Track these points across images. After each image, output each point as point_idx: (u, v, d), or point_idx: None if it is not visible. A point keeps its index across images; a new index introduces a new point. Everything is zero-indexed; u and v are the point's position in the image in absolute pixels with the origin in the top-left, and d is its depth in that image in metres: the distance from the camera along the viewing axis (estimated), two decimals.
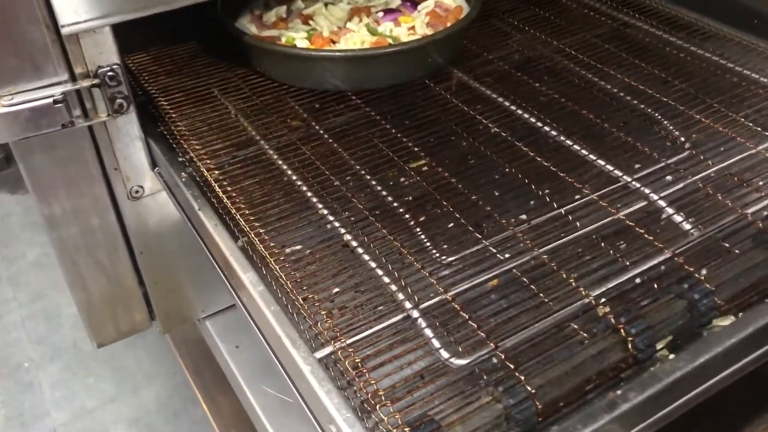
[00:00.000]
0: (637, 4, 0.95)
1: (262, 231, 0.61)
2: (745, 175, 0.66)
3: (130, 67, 0.85)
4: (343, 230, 0.62)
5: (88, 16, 0.63)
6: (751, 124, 0.73)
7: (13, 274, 1.61)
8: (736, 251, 0.58)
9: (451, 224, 0.64)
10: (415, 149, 0.73)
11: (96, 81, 0.66)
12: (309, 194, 0.66)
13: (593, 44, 0.88)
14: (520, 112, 0.75)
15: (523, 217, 0.63)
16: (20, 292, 1.58)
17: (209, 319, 0.88)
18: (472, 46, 0.87)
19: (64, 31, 0.62)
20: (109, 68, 0.66)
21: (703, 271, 0.56)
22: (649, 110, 0.76)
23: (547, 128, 0.73)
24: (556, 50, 0.87)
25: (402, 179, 0.70)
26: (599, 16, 0.94)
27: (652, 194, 0.63)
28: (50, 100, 0.64)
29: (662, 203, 0.62)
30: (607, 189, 0.65)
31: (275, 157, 0.71)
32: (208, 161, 0.71)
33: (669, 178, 0.66)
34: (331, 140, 0.75)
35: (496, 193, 0.67)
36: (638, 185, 0.64)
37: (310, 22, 0.84)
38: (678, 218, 0.61)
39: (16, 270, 1.62)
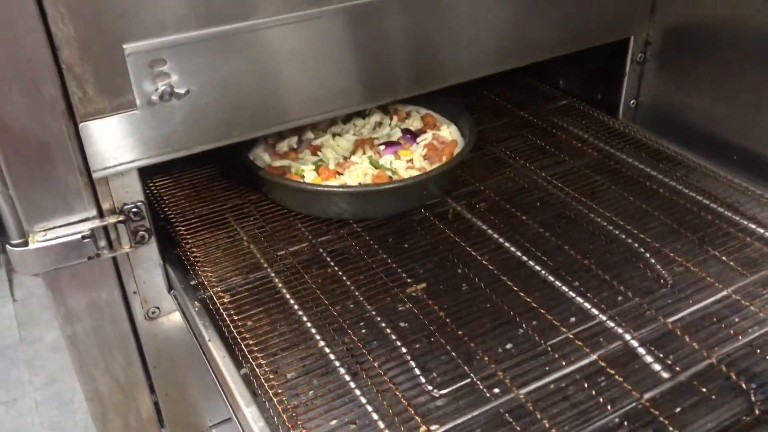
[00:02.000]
0: (624, 135, 1.02)
1: (263, 362, 0.66)
2: (715, 317, 0.71)
3: (152, 189, 0.93)
4: (338, 362, 0.67)
5: (117, 162, 0.71)
6: (725, 261, 0.78)
7: (30, 357, 1.67)
8: (706, 393, 0.63)
9: (443, 356, 0.69)
10: (411, 277, 0.78)
11: (121, 217, 0.73)
12: (309, 324, 0.72)
13: (581, 175, 0.95)
14: (508, 245, 0.81)
15: (512, 350, 0.69)
16: (36, 375, 1.63)
17: (216, 427, 0.92)
18: (467, 176, 0.94)
19: (95, 175, 0.70)
20: (133, 205, 0.74)
21: (674, 412, 0.60)
22: (630, 243, 0.82)
23: (532, 262, 0.79)
24: (546, 181, 0.94)
25: (398, 306, 0.76)
26: (587, 147, 1.01)
27: (626, 334, 0.68)
28: (79, 235, 0.71)
29: (635, 344, 0.67)
30: (584, 327, 0.70)
31: (281, 284, 0.77)
32: (219, 286, 0.77)
33: (644, 317, 0.71)
34: (333, 265, 0.81)
35: (487, 325, 0.72)
36: (613, 325, 0.69)
37: (319, 152, 0.92)
38: (650, 359, 0.66)
39: (34, 353, 1.68)
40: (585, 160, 0.98)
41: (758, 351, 0.66)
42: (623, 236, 0.83)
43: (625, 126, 1.04)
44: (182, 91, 0.70)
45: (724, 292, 0.73)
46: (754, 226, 0.82)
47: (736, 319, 0.70)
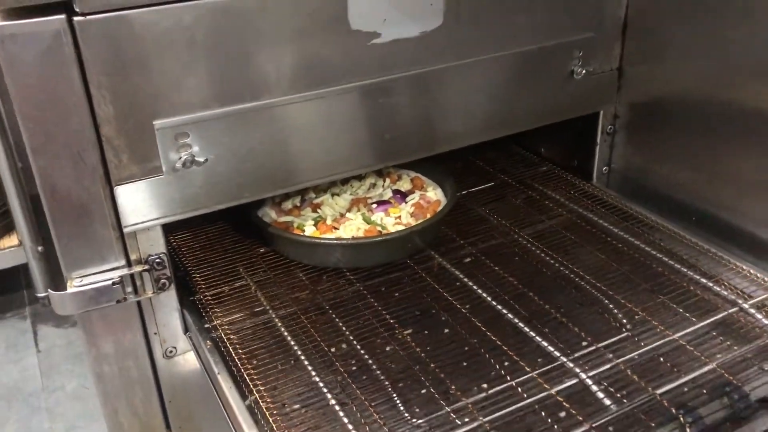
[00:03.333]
0: (596, 198, 1.13)
1: (265, 393, 0.77)
2: (663, 358, 0.81)
3: (173, 243, 1.05)
4: (330, 395, 0.77)
5: (145, 219, 0.83)
6: (678, 310, 0.88)
7: (51, 405, 1.76)
8: (645, 420, 0.72)
9: (423, 390, 0.79)
10: (399, 322, 0.89)
11: (146, 267, 0.85)
12: (306, 362, 0.82)
13: (555, 234, 1.06)
14: (485, 295, 0.92)
15: (484, 387, 0.79)
16: (57, 422, 1.72)
17: None
18: (453, 233, 1.05)
19: (126, 230, 0.82)
20: (156, 256, 0.85)
21: None
22: (595, 294, 0.92)
23: (506, 311, 0.89)
24: (523, 238, 1.05)
25: (386, 348, 0.86)
26: (562, 209, 1.12)
27: (582, 373, 0.78)
28: (110, 282, 0.82)
29: (589, 381, 0.77)
30: (548, 367, 0.79)
31: (282, 327, 0.88)
32: (228, 327, 0.88)
33: (601, 358, 0.80)
34: (330, 310, 0.92)
35: (464, 364, 0.83)
36: (572, 365, 0.79)
37: (318, 210, 1.04)
38: (601, 394, 0.75)
39: (55, 401, 1.77)
40: (560, 221, 1.09)
41: (694, 387, 0.75)
42: (589, 288, 0.94)
43: (597, 190, 1.15)
44: (202, 159, 0.83)
45: (673, 337, 0.83)
46: (705, 281, 0.92)
47: (681, 361, 0.80)
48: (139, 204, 0.82)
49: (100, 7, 0.72)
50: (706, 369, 0.78)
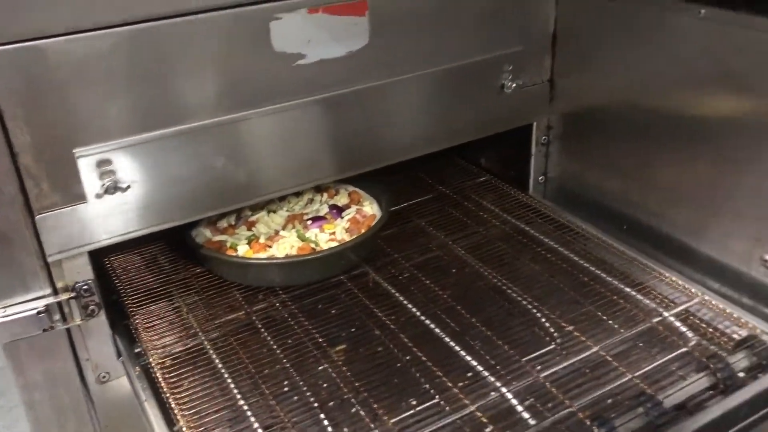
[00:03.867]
0: (532, 208, 1.15)
1: (191, 421, 0.77)
2: (587, 371, 0.82)
3: (107, 265, 1.04)
4: (254, 418, 0.78)
5: (69, 247, 0.82)
6: (608, 322, 0.90)
7: (9, 423, 1.74)
8: None
9: (353, 410, 0.80)
10: (333, 339, 0.90)
11: (73, 294, 0.84)
12: (233, 385, 0.82)
13: (491, 246, 1.07)
14: (417, 311, 0.93)
15: (412, 403, 0.80)
16: None
17: None
18: (389, 248, 1.06)
19: (50, 258, 0.82)
20: (84, 283, 0.85)
21: None
22: (527, 306, 0.94)
23: (438, 329, 0.90)
24: (460, 251, 1.06)
25: (319, 367, 0.86)
26: (498, 220, 1.13)
27: (503, 387, 0.79)
28: (35, 311, 0.82)
29: (510, 395, 0.78)
30: (474, 383, 0.81)
31: (213, 350, 0.88)
32: (159, 352, 0.88)
33: (525, 373, 0.81)
34: (263, 330, 0.92)
35: (395, 380, 0.83)
36: (493, 379, 0.80)
37: (253, 228, 1.04)
38: (520, 408, 0.77)
39: (13, 419, 1.75)
40: (495, 232, 1.11)
41: (613, 399, 0.77)
42: (520, 299, 0.95)
43: (533, 200, 1.17)
44: (125, 185, 0.83)
45: (596, 349, 0.85)
46: (629, 290, 0.95)
47: (603, 372, 0.82)
48: (63, 232, 0.81)
49: (11, 38, 0.72)
50: (625, 380, 0.80)
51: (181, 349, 0.88)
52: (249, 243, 1.00)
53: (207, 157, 0.88)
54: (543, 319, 0.92)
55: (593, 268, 1.00)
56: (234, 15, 0.83)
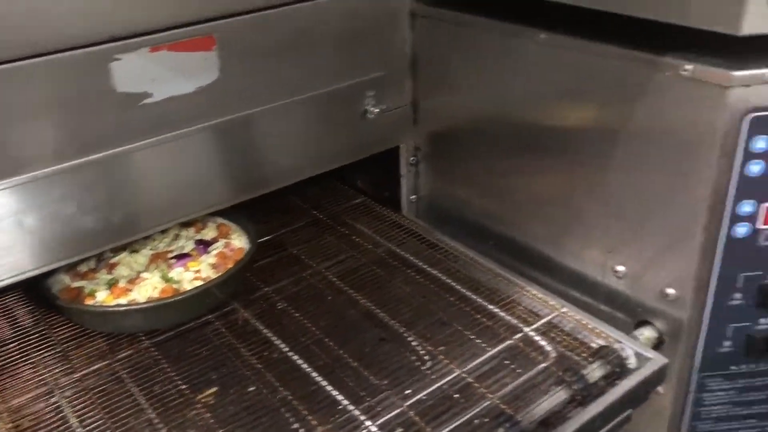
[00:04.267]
0: (405, 229, 1.16)
1: None
2: (455, 394, 0.84)
3: None
4: None
5: None
6: (467, 337, 0.92)
7: None
8: None
9: None
10: (203, 383, 0.87)
11: None
12: None
13: (366, 271, 1.07)
14: (283, 346, 0.92)
15: None
16: None
17: None
18: (261, 281, 1.05)
19: None
20: None
21: None
22: (397, 329, 0.94)
23: (301, 360, 0.89)
24: (334, 278, 1.05)
25: (187, 413, 0.84)
26: (372, 244, 1.14)
27: (367, 421, 0.79)
28: None
29: (374, 429, 0.79)
30: (341, 419, 0.80)
31: (69, 409, 0.83)
32: (10, 416, 0.82)
33: (391, 404, 0.82)
34: (127, 380, 0.88)
35: (266, 423, 0.82)
36: (358, 413, 0.80)
37: (114, 271, 1.00)
38: None
39: None
40: (369, 256, 1.11)
41: (474, 423, 0.79)
42: (392, 324, 0.95)
43: (406, 220, 1.18)
44: None
45: (460, 372, 0.86)
46: (492, 307, 0.97)
47: (467, 395, 0.83)
48: None
49: None
50: (487, 402, 0.82)
51: (34, 411, 0.83)
52: (110, 288, 0.96)
53: (55, 204, 0.84)
54: (415, 343, 0.93)
55: (460, 287, 1.01)
56: (70, 58, 0.79)
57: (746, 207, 0.80)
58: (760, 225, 0.81)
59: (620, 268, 0.93)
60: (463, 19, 1.00)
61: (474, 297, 0.99)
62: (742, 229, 0.82)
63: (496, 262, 1.06)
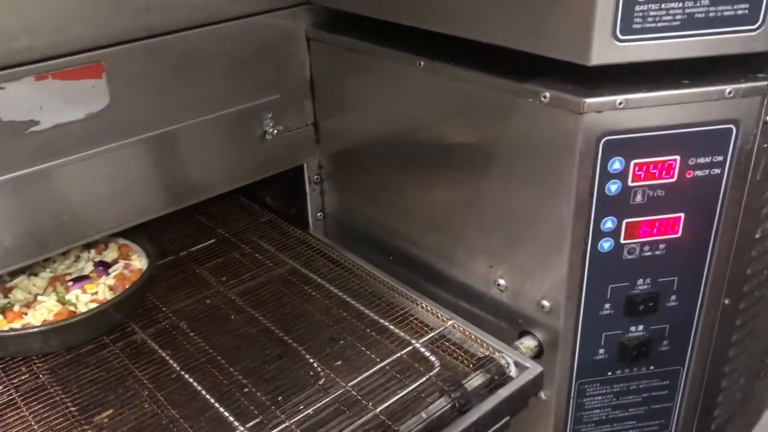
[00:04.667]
0: (311, 246, 1.19)
1: None
2: (342, 407, 0.87)
3: None
4: None
5: None
6: (359, 351, 0.96)
7: None
8: None
9: None
10: (99, 405, 0.88)
11: None
12: None
13: (269, 290, 1.09)
14: (177, 366, 0.93)
15: None
16: None
17: None
18: (161, 302, 1.06)
19: None
20: None
21: None
22: (296, 347, 0.96)
23: (192, 380, 0.91)
24: (237, 298, 1.07)
25: None
26: (276, 262, 1.16)
27: None
28: None
29: None
30: None
31: None
32: None
33: (279, 420, 0.85)
34: (22, 406, 0.89)
35: None
36: (243, 430, 0.83)
37: (9, 295, 1.00)
38: None
39: None
40: (272, 274, 1.13)
41: None
42: (291, 343, 0.98)
43: (311, 238, 1.21)
44: None
45: (350, 385, 0.90)
46: (383, 321, 1.00)
47: (354, 411, 0.86)
48: None
49: None
50: (371, 415, 0.85)
51: None
52: (3, 312, 0.96)
53: None
54: (310, 359, 0.96)
55: (355, 303, 1.05)
56: None
57: (608, 223, 0.86)
58: (622, 240, 0.87)
59: (502, 282, 0.98)
60: (355, 45, 1.04)
61: (368, 312, 1.03)
62: (606, 244, 0.87)
63: (395, 276, 1.10)
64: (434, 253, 1.08)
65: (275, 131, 1.11)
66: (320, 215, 1.26)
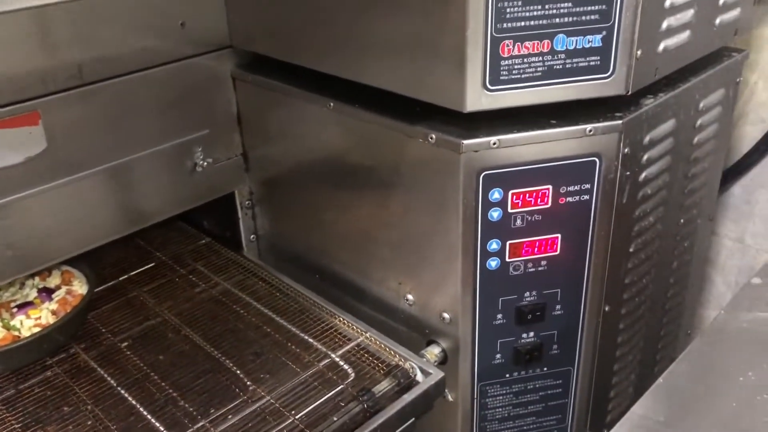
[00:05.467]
0: (244, 268, 1.29)
1: None
2: (267, 418, 0.97)
3: None
4: None
5: None
6: (285, 363, 1.06)
7: None
8: None
9: None
10: (38, 426, 0.96)
11: None
12: None
13: (204, 311, 1.18)
14: (120, 389, 1.02)
15: None
16: None
17: None
18: (103, 325, 1.15)
19: None
20: None
21: None
22: (231, 366, 1.06)
23: (131, 397, 1.00)
24: (167, 318, 1.17)
25: None
26: (210, 285, 1.26)
27: None
28: None
29: None
30: None
31: None
32: None
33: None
34: None
35: None
36: None
37: None
38: None
39: None
40: (206, 295, 1.23)
41: None
42: (223, 360, 1.08)
43: (244, 260, 1.31)
44: None
45: (270, 397, 1.00)
46: (303, 335, 1.11)
47: (279, 421, 0.96)
48: None
49: None
50: (289, 421, 0.95)
51: None
52: None
53: None
54: (239, 373, 1.05)
55: (279, 319, 1.15)
56: None
57: (494, 245, 0.98)
58: (507, 259, 1.00)
59: (410, 297, 1.09)
60: (274, 86, 1.15)
61: (292, 328, 1.14)
62: (493, 263, 0.99)
63: (320, 292, 1.21)
64: (353, 270, 1.19)
65: (205, 163, 1.21)
66: (253, 237, 1.36)
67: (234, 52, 1.20)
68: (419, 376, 1.04)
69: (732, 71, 1.17)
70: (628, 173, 0.98)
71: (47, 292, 1.15)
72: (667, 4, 0.92)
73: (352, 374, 1.04)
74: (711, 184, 1.27)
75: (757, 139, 1.38)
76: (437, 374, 1.03)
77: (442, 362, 1.08)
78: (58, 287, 1.17)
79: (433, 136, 0.93)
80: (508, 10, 0.83)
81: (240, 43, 1.19)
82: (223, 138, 1.24)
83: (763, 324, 0.77)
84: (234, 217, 1.34)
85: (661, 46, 0.95)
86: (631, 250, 1.08)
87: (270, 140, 1.23)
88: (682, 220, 1.21)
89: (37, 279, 1.19)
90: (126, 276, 1.28)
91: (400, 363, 1.04)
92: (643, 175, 1.02)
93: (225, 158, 1.25)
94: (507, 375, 1.09)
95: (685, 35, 0.99)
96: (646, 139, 1.00)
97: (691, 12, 0.97)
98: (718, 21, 1.06)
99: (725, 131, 1.23)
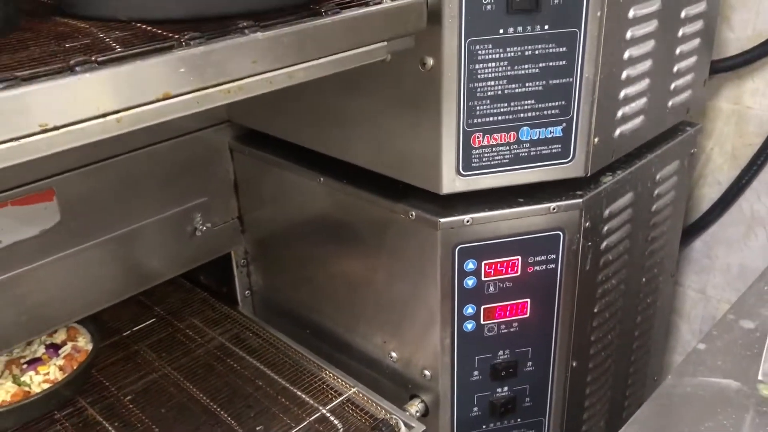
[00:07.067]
0: (239, 323, 1.37)
1: None
2: None
3: None
4: None
5: None
6: (277, 417, 1.15)
7: None
8: None
9: None
10: None
11: None
12: None
13: (201, 365, 1.26)
14: None
15: None
16: None
17: None
18: (107, 379, 1.23)
19: None
20: None
21: None
22: (228, 420, 1.15)
23: None
24: (167, 372, 1.25)
25: None
26: (207, 339, 1.34)
27: None
28: None
29: None
30: None
31: None
32: None
33: None
34: None
35: None
36: None
37: None
38: None
39: None
40: (203, 350, 1.32)
41: None
42: (216, 410, 1.16)
43: (239, 315, 1.40)
44: None
45: None
46: (294, 389, 1.20)
47: None
48: None
49: None
50: None
51: None
52: None
53: None
54: (235, 425, 1.14)
55: (271, 373, 1.24)
56: None
57: (469, 309, 1.08)
58: (482, 321, 1.09)
59: (394, 354, 1.18)
60: (268, 159, 1.25)
61: (282, 381, 1.22)
62: (469, 325, 1.09)
63: (310, 346, 1.30)
64: (342, 326, 1.28)
65: (204, 228, 1.30)
66: (248, 293, 1.45)
67: (231, 126, 1.30)
68: (403, 430, 1.13)
69: (686, 144, 1.28)
70: (589, 243, 1.09)
71: (54, 348, 1.23)
72: (621, 95, 1.03)
73: (341, 428, 1.13)
74: (671, 244, 1.38)
75: (714, 200, 1.49)
76: (419, 427, 1.12)
77: (424, 415, 1.17)
78: (64, 342, 1.25)
79: (413, 213, 1.03)
80: (477, 108, 0.94)
81: (237, 117, 1.29)
82: (221, 203, 1.34)
83: (706, 388, 0.87)
84: (230, 274, 1.44)
85: (617, 132, 1.06)
86: (595, 310, 1.18)
87: (264, 205, 1.33)
88: (644, 279, 1.31)
89: (44, 336, 1.27)
90: (128, 331, 1.37)
91: (386, 417, 1.13)
92: (604, 244, 1.13)
93: (222, 222, 1.35)
94: (484, 426, 1.18)
95: (639, 120, 1.10)
96: (606, 212, 1.10)
97: (644, 100, 1.09)
98: (670, 104, 1.18)
99: (682, 196, 1.34)
